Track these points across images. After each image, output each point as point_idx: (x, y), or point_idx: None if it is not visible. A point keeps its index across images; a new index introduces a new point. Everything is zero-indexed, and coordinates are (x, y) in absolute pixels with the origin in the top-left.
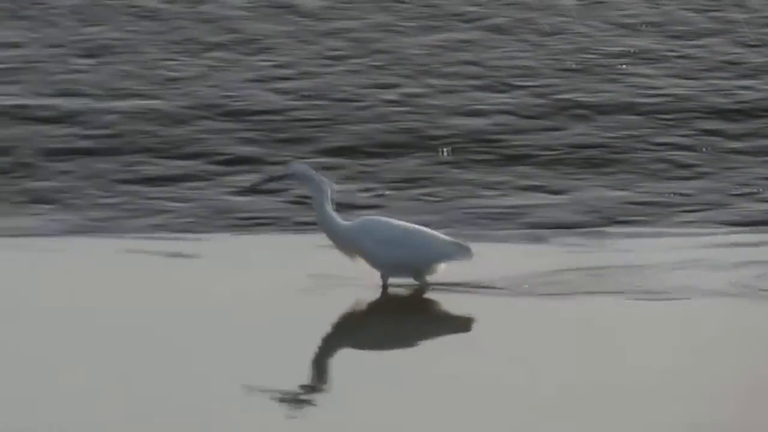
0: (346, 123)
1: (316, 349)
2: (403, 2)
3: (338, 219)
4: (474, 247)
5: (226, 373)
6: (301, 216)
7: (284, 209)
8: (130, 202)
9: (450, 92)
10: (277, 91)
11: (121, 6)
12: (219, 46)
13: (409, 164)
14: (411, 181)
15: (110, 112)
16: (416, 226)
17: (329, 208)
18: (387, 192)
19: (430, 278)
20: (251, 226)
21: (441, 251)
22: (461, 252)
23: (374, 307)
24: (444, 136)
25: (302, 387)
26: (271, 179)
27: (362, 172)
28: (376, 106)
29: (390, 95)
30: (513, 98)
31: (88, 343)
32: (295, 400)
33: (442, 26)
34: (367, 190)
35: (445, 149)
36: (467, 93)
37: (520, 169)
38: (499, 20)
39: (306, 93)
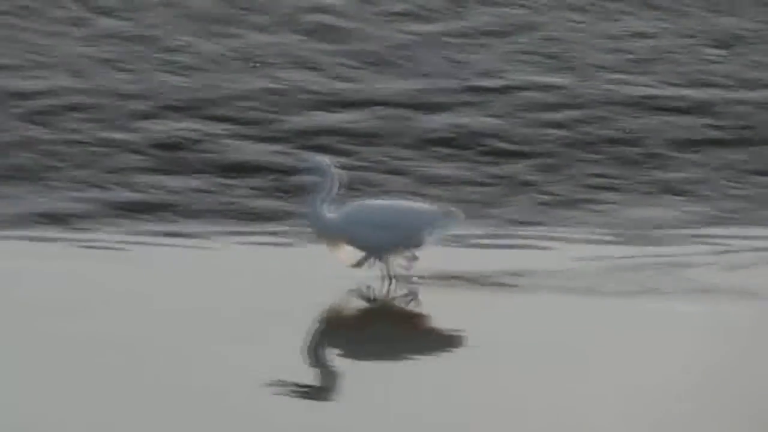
0: None
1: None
2: None
3: (326, 212)
4: None
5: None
6: None
7: None
8: (762, 194)
9: None
10: None
11: None
12: None
13: None
14: None
15: (742, 102)
16: (398, 201)
17: (323, 204)
18: None
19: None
20: None
21: (430, 220)
22: (451, 217)
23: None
24: None
25: (311, 389)
26: (291, 173)
27: None
28: None
29: None
30: None
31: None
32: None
33: None
34: None
35: None
36: None
37: None
38: None
39: None
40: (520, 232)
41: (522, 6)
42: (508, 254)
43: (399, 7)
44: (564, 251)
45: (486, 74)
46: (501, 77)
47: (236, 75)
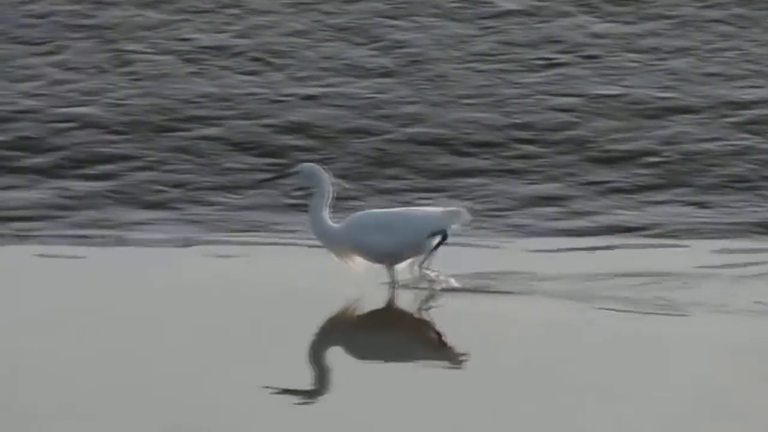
0: None
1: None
2: None
3: (330, 222)
4: None
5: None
6: None
7: None
8: None
9: None
10: None
11: None
12: None
13: None
14: None
15: None
16: (401, 209)
17: (325, 211)
18: None
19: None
20: None
21: (435, 223)
22: (454, 217)
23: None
24: None
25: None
26: (279, 176)
27: None
28: None
29: None
30: None
31: None
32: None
33: None
34: None
35: None
36: None
37: None
38: None
39: None
40: None
41: None
42: None
43: None
44: None
45: None
46: None
47: None
